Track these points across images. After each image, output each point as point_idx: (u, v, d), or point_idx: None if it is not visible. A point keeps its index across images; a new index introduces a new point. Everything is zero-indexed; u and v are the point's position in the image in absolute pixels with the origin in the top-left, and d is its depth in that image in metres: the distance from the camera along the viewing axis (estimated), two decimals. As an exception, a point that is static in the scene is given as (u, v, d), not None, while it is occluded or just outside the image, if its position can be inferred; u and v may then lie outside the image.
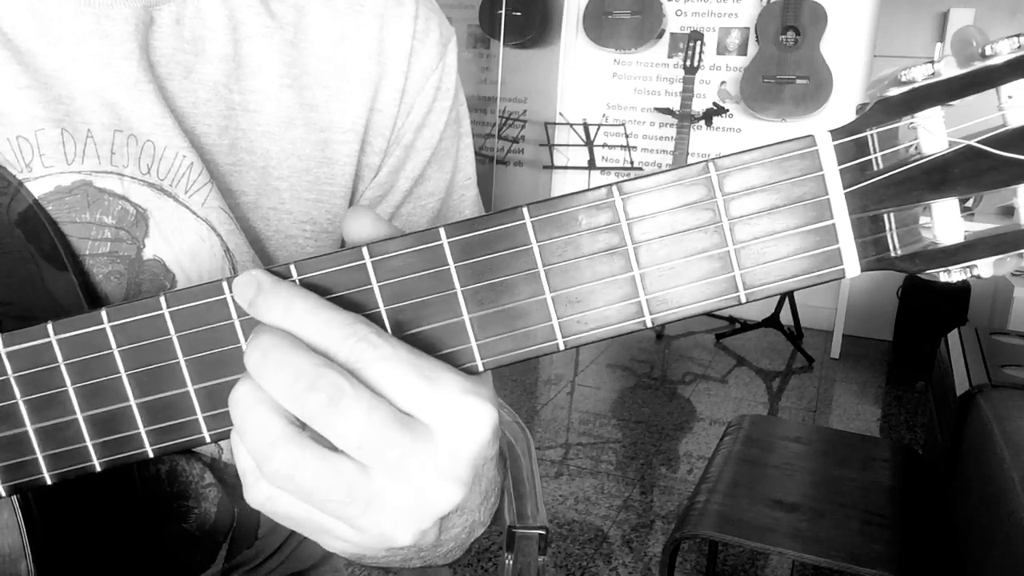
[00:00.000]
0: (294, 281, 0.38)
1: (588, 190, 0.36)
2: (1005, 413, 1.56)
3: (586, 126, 4.49)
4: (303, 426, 0.36)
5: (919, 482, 1.86)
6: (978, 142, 0.32)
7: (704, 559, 2.28)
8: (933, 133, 0.33)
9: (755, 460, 1.90)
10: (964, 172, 0.33)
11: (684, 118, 4.25)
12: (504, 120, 5.02)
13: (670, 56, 4.71)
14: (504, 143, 5.05)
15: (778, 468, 1.87)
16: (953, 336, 2.08)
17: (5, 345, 0.40)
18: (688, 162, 0.36)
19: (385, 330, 0.37)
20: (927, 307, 3.99)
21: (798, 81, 4.21)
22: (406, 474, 0.35)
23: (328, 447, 0.35)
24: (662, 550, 1.81)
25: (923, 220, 0.35)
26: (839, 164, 0.35)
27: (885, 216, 0.35)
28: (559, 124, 4.73)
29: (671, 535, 1.65)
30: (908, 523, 1.66)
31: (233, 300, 0.38)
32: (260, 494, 0.37)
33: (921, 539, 1.61)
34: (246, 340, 0.38)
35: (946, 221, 0.34)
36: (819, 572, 2.26)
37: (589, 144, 4.47)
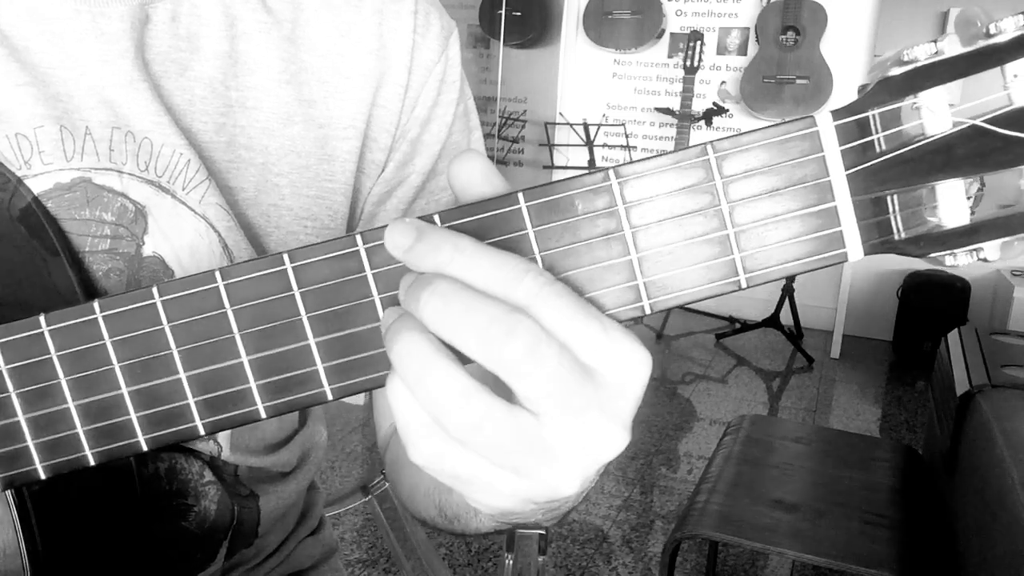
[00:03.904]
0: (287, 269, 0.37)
1: (585, 174, 0.36)
2: (1005, 413, 1.55)
3: (586, 126, 4.49)
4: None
5: (919, 482, 1.85)
6: (983, 121, 0.31)
7: (704, 559, 2.28)
8: (936, 113, 0.32)
9: (755, 460, 1.89)
10: (969, 152, 0.32)
11: (684, 118, 4.25)
12: (504, 120, 5.02)
13: (670, 56, 4.71)
14: (504, 143, 5.05)
15: (778, 468, 1.86)
16: (953, 336, 2.07)
17: (-3, 337, 0.40)
18: (687, 147, 0.35)
19: None
20: (927, 307, 3.99)
21: (798, 81, 4.20)
22: (585, 422, 0.34)
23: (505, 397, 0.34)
24: (662, 550, 1.80)
25: (927, 202, 0.34)
26: (840, 145, 0.34)
27: (888, 198, 0.34)
28: (559, 124, 4.73)
29: (671, 535, 1.65)
30: (908, 523, 1.65)
31: (225, 289, 0.38)
32: (430, 449, 0.35)
33: (921, 539, 1.61)
34: (238, 329, 0.38)
35: (951, 203, 0.33)
36: (819, 572, 2.25)
37: (589, 144, 4.47)
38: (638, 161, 0.35)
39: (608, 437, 0.35)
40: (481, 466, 0.34)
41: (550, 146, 4.54)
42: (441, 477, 0.36)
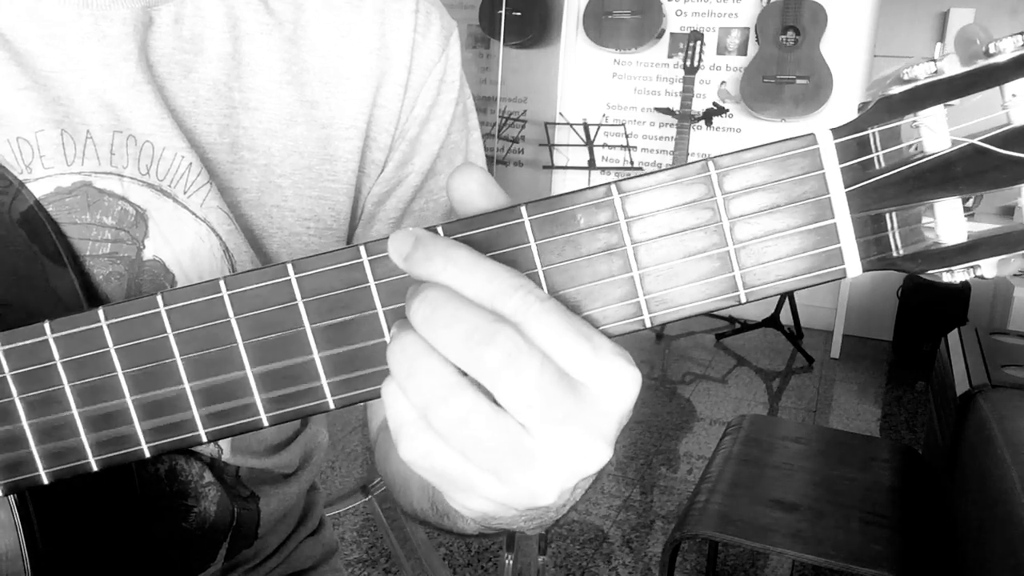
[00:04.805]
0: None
1: (587, 189, 0.36)
2: (1005, 413, 1.56)
3: (586, 126, 4.49)
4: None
5: (919, 482, 1.85)
6: (981, 141, 0.32)
7: (704, 559, 2.28)
8: (935, 132, 0.32)
9: (755, 460, 1.89)
10: (967, 171, 0.32)
11: (684, 118, 4.25)
12: (504, 120, 5.02)
13: (670, 56, 4.71)
14: (504, 143, 5.05)
15: (778, 468, 1.86)
16: (953, 336, 2.08)
17: (2, 343, 0.40)
18: (688, 162, 0.36)
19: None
20: (927, 307, 3.99)
21: (798, 81, 4.20)
22: (565, 434, 0.34)
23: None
24: (662, 550, 1.81)
25: (925, 220, 0.34)
26: (840, 163, 0.35)
27: (887, 215, 0.35)
28: (559, 124, 4.72)
29: (671, 535, 1.65)
30: (908, 523, 1.66)
31: (229, 298, 0.38)
32: (420, 447, 0.35)
33: (921, 539, 1.61)
34: (242, 338, 0.38)
35: (949, 221, 0.33)
36: (819, 572, 2.26)
37: (589, 144, 4.47)
38: (640, 176, 0.35)
39: (589, 451, 0.35)
40: (464, 466, 0.35)
41: (550, 146, 4.54)
42: (426, 475, 0.37)
